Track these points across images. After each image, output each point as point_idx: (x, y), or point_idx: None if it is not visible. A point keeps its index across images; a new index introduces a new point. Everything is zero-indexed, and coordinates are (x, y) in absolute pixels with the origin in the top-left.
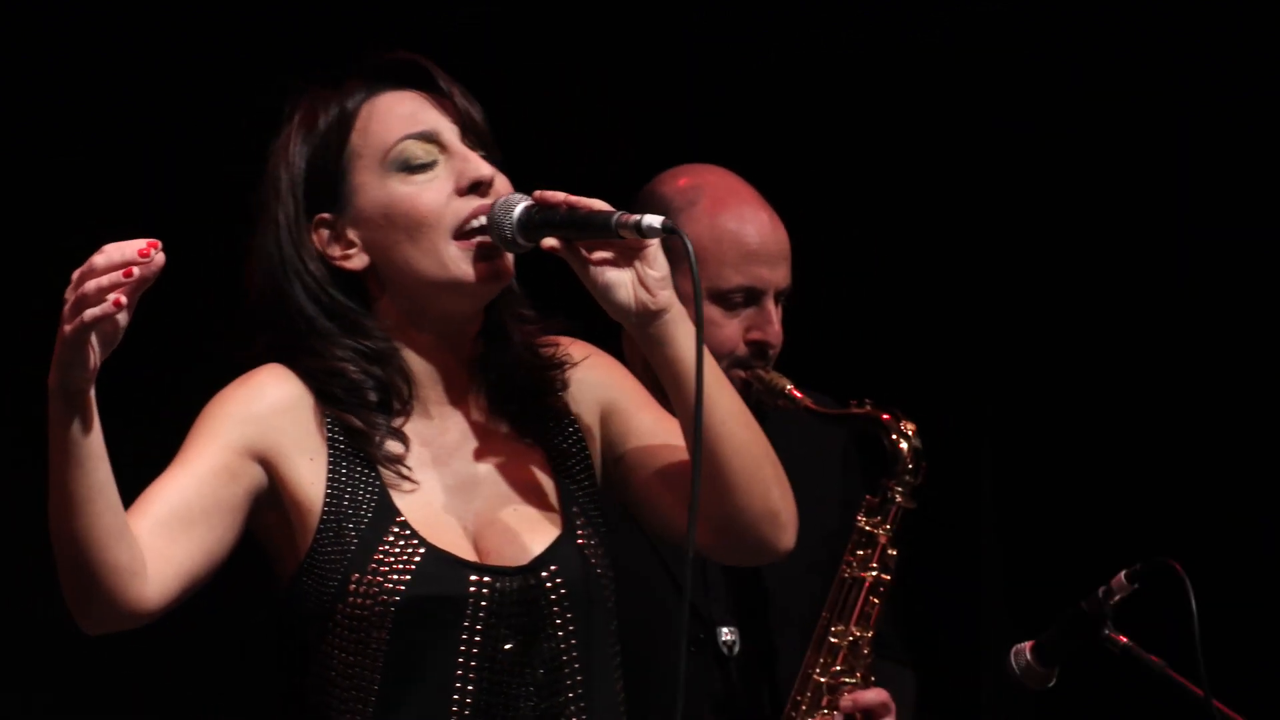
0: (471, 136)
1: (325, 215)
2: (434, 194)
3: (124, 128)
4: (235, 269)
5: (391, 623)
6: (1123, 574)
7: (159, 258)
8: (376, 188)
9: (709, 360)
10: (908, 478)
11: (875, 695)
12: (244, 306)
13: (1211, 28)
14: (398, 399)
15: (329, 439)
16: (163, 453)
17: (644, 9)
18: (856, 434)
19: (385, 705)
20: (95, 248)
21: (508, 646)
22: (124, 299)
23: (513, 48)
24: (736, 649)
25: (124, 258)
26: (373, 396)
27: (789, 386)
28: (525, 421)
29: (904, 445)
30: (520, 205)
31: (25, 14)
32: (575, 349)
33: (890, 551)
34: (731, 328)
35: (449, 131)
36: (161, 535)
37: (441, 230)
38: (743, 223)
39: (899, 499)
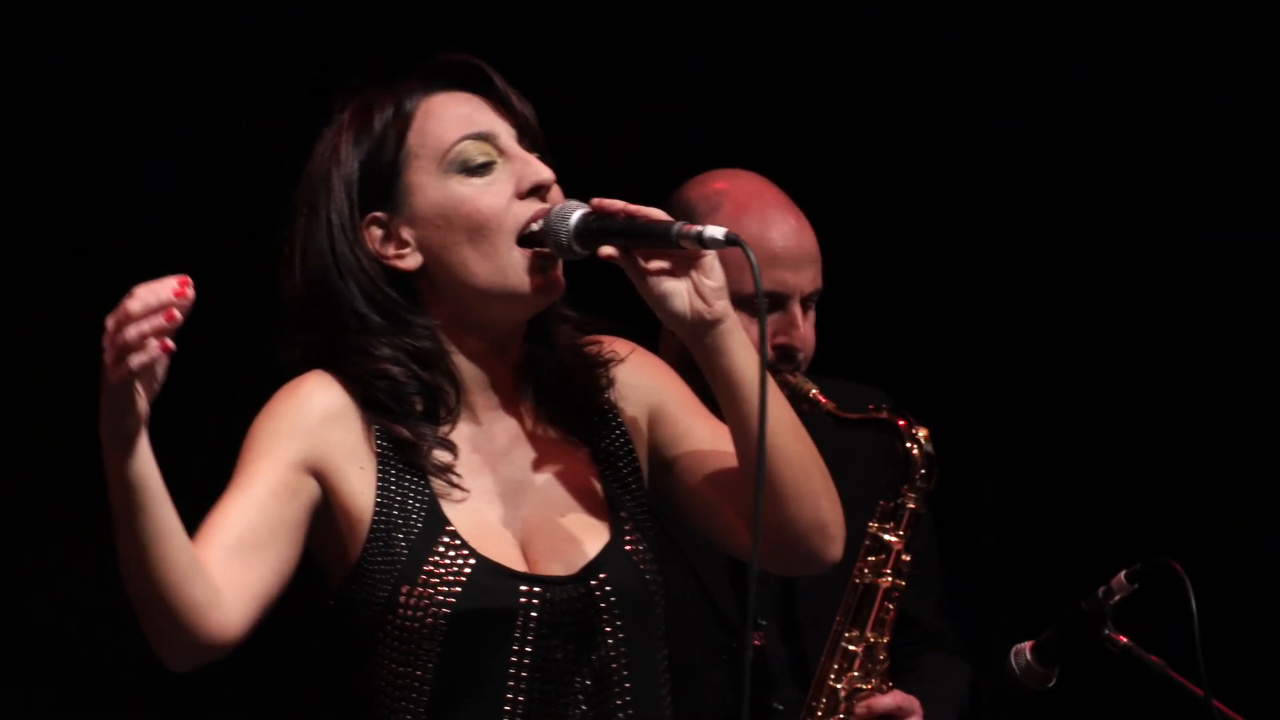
0: (528, 139)
1: (379, 214)
2: (494, 197)
3: (122, 128)
4: (237, 270)
5: (443, 635)
6: (1123, 574)
7: (191, 294)
8: (434, 187)
9: (751, 359)
10: (920, 483)
11: (891, 700)
12: (284, 305)
13: (1211, 27)
14: (445, 404)
15: (378, 447)
16: (211, 465)
17: (644, 8)
18: (873, 438)
19: (436, 714)
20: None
21: (558, 655)
22: (170, 343)
23: (511, 47)
24: (768, 650)
25: (160, 300)
26: (419, 404)
27: (814, 391)
28: (572, 423)
29: (916, 451)
30: (577, 212)
31: (24, 14)
32: (620, 346)
33: (904, 557)
34: (755, 332)
35: (506, 134)
36: (233, 563)
37: (503, 234)
38: (765, 226)
39: (911, 504)
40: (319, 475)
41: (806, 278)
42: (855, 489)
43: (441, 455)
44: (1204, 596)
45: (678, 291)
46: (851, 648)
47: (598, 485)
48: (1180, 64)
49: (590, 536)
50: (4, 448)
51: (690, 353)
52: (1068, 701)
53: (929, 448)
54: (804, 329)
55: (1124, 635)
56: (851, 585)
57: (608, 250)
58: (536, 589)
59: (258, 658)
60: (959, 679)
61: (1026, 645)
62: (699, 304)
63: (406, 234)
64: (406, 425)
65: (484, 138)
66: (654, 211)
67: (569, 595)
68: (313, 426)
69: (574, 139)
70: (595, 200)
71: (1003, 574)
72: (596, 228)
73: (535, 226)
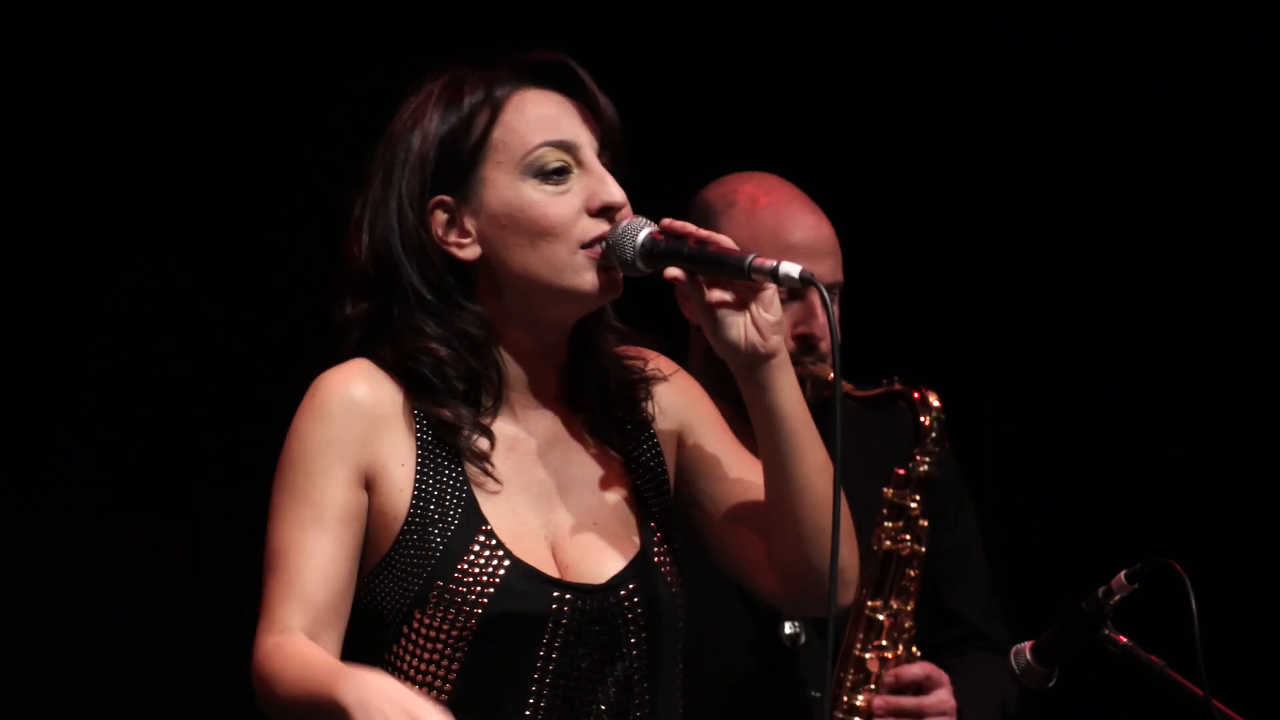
0: (609, 152)
1: (446, 199)
2: (564, 207)
3: (122, 127)
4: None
5: (472, 635)
6: (1123, 574)
7: None
8: (507, 186)
9: (804, 413)
10: (934, 448)
11: (919, 669)
12: (346, 267)
13: (1211, 27)
14: (488, 392)
15: (418, 437)
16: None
17: (647, 8)
18: (893, 421)
19: (457, 712)
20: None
21: (583, 664)
22: None
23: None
24: (802, 641)
25: None
26: (461, 385)
27: (831, 375)
28: (608, 431)
29: (928, 418)
30: (644, 230)
31: (24, 13)
32: (663, 364)
33: (921, 523)
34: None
35: (588, 145)
36: (334, 621)
37: (567, 242)
38: (781, 218)
39: (925, 468)
40: (369, 481)
41: (826, 268)
42: (883, 469)
43: (480, 442)
44: (1204, 596)
45: (735, 322)
46: (878, 617)
47: (630, 495)
48: (1181, 64)
49: (621, 546)
50: (4, 449)
51: (736, 383)
52: (1068, 701)
53: (941, 414)
54: (821, 318)
55: (1124, 635)
56: (870, 553)
57: (674, 272)
58: (568, 596)
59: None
60: (1005, 678)
61: (1026, 645)
62: (754, 336)
63: (470, 224)
64: (448, 406)
65: (565, 146)
66: (724, 239)
67: (599, 604)
68: (362, 432)
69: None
70: (666, 221)
71: (1003, 574)
72: (665, 249)
73: (600, 246)
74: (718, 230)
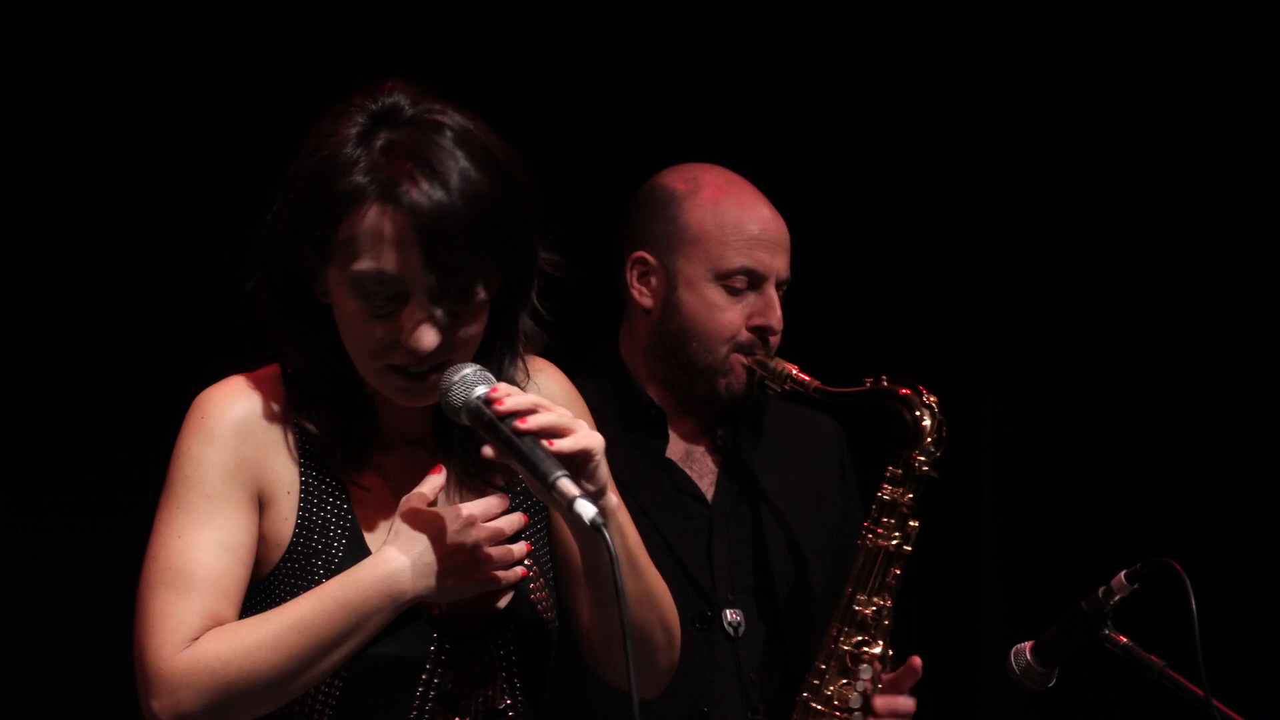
0: (452, 294)
1: (311, 252)
2: (381, 334)
3: (120, 128)
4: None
5: (348, 674)
6: (1123, 574)
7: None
8: (339, 285)
9: (626, 543)
10: (931, 447)
11: (907, 704)
12: (251, 294)
13: (1212, 27)
14: (365, 427)
15: (301, 464)
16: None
17: (642, 9)
18: (870, 411)
19: None
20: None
21: (455, 691)
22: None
23: (510, 48)
24: (742, 630)
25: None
26: (338, 420)
27: (795, 370)
28: (482, 462)
29: (926, 418)
30: (478, 390)
31: (23, 13)
32: (553, 382)
33: (912, 522)
34: (734, 312)
35: (415, 281)
36: (232, 615)
37: (379, 361)
38: (744, 209)
39: (922, 467)
40: (260, 506)
41: (781, 263)
42: (819, 476)
43: (363, 476)
44: (1204, 596)
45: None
46: (859, 609)
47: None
48: (1181, 64)
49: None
50: (4, 449)
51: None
52: (1068, 701)
53: (939, 413)
54: (777, 310)
55: (1124, 635)
56: (861, 548)
57: (487, 451)
58: (448, 644)
59: None
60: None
61: (1026, 645)
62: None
63: (322, 294)
64: (330, 429)
65: (387, 280)
66: (550, 421)
67: (477, 648)
68: (254, 455)
69: (570, 138)
70: (496, 392)
71: (1003, 574)
72: (488, 421)
73: (402, 379)
74: (680, 214)
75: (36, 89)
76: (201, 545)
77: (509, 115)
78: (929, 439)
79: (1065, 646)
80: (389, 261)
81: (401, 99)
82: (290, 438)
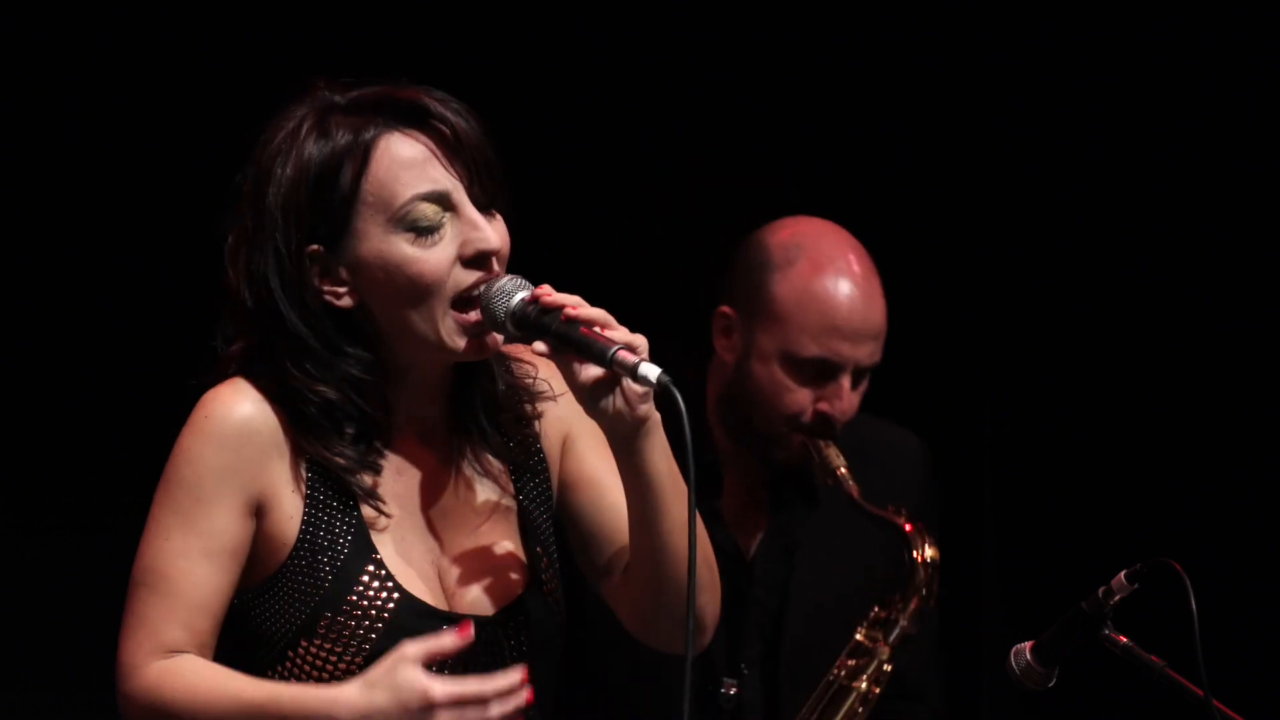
0: (479, 187)
1: (318, 248)
2: (437, 261)
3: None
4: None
5: (360, 668)
6: (1123, 574)
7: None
8: (379, 240)
9: (671, 474)
10: (919, 604)
11: None
12: (226, 297)
13: (1212, 27)
14: (376, 430)
15: (308, 462)
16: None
17: (642, 12)
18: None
19: None
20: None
21: None
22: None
23: (510, 49)
24: (738, 702)
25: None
26: (350, 429)
27: (842, 470)
28: (497, 452)
29: (923, 569)
30: (518, 296)
31: (23, 13)
32: (554, 379)
33: (885, 668)
34: (802, 394)
35: (458, 190)
36: (208, 654)
37: (441, 298)
38: (835, 293)
39: (905, 622)
40: (259, 509)
41: (864, 352)
42: (857, 568)
43: (367, 478)
44: (1204, 596)
45: (602, 393)
46: None
47: (519, 520)
48: (1181, 63)
49: (509, 574)
50: (4, 450)
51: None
52: (1068, 701)
53: (935, 567)
54: (846, 401)
55: (1124, 635)
56: (826, 682)
57: (540, 347)
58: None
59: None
60: None
61: (1026, 645)
62: (622, 405)
63: (344, 274)
64: (334, 447)
65: (436, 198)
66: (596, 314)
67: (487, 637)
68: (255, 458)
69: (569, 144)
70: (541, 290)
71: (1003, 574)
72: (534, 321)
73: (475, 293)
74: (768, 284)
75: (36, 89)
76: (186, 552)
77: (509, 115)
78: (919, 587)
79: (1065, 646)
80: (427, 179)
81: (338, 91)
82: (293, 440)
